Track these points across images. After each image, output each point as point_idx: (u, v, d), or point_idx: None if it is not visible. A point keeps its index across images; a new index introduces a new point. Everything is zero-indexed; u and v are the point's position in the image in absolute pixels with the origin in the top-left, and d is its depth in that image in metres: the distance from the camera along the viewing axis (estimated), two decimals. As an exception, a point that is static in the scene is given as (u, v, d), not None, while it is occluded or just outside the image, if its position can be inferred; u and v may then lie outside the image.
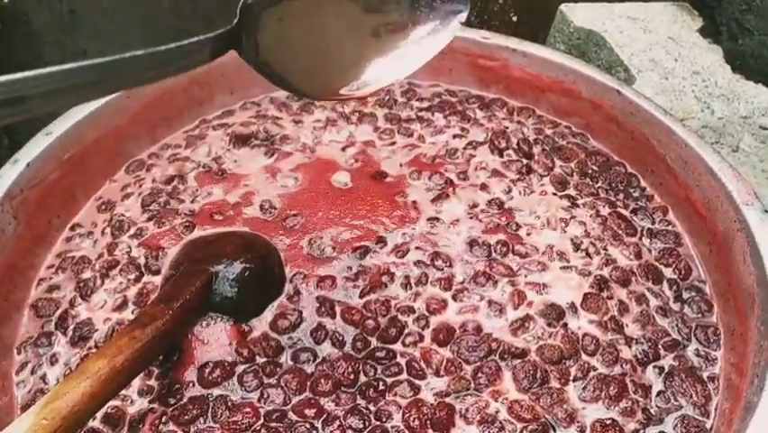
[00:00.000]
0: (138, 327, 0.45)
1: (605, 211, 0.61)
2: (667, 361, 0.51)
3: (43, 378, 0.50)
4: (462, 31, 0.73)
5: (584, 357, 0.51)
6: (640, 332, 0.52)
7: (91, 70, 0.32)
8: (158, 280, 0.56)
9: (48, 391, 0.49)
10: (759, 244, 0.51)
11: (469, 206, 0.61)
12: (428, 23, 0.46)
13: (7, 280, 0.54)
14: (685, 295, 0.55)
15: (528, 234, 0.59)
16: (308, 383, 0.49)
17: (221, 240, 0.56)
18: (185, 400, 0.48)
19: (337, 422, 0.47)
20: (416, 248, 0.58)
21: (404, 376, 0.49)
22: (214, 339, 0.51)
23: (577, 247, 0.58)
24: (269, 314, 0.53)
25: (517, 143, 0.67)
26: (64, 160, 0.59)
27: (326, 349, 0.51)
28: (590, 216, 0.61)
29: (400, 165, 0.65)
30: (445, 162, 0.66)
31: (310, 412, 0.47)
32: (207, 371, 0.49)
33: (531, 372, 0.49)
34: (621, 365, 0.50)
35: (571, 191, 0.63)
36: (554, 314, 0.53)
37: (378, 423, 0.47)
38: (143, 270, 0.56)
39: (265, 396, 0.48)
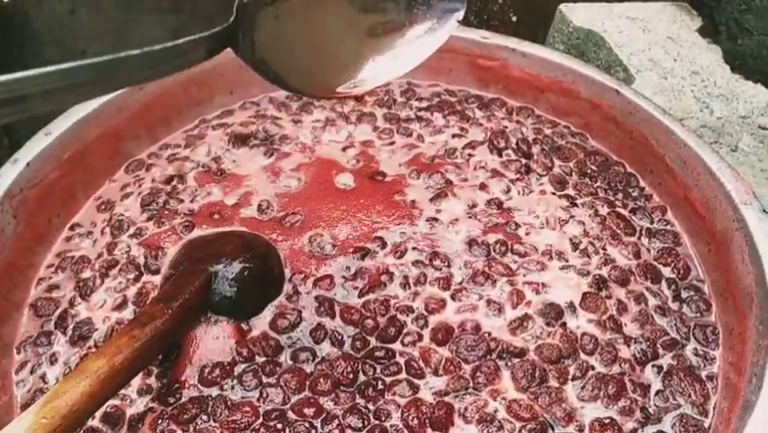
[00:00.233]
0: (137, 326, 0.45)
1: (604, 211, 0.62)
2: (666, 360, 0.51)
3: (43, 377, 0.50)
4: (462, 31, 0.73)
5: (583, 356, 0.51)
6: (639, 331, 0.52)
7: (89, 70, 0.33)
8: (157, 279, 0.56)
9: (47, 390, 0.49)
10: (757, 243, 0.51)
11: (468, 205, 0.62)
12: (425, 22, 0.46)
13: (7, 280, 0.54)
14: (684, 294, 0.55)
15: (527, 234, 0.59)
16: (307, 383, 0.49)
17: (220, 239, 0.56)
18: (184, 399, 0.48)
19: (336, 421, 0.47)
20: (415, 248, 0.58)
21: (403, 375, 0.50)
22: (213, 338, 0.51)
23: (576, 247, 0.58)
24: (268, 313, 0.53)
25: (516, 143, 0.68)
26: (64, 159, 0.60)
27: (326, 348, 0.51)
28: (589, 215, 0.61)
29: (399, 165, 0.65)
30: (444, 162, 0.66)
31: (309, 411, 0.47)
32: (207, 370, 0.49)
33: (530, 371, 0.49)
34: (620, 364, 0.50)
35: (570, 191, 0.64)
36: (553, 313, 0.53)
37: (377, 422, 0.47)
38: (143, 269, 0.57)
39: (264, 395, 0.48)
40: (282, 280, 0.55)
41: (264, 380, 0.49)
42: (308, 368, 0.50)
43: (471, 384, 0.49)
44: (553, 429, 0.47)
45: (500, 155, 0.67)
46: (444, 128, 0.70)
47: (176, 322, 0.47)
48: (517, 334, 0.52)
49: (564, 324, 0.52)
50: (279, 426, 0.46)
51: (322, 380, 0.49)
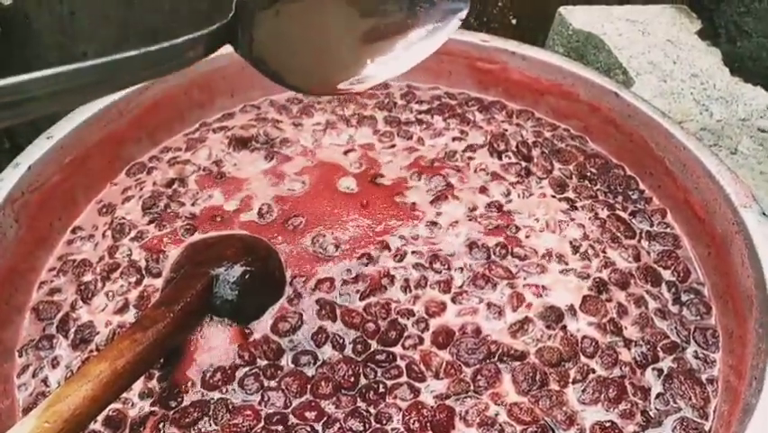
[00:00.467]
0: (139, 329, 0.45)
1: (603, 214, 0.62)
2: (666, 363, 0.51)
3: (45, 381, 0.50)
4: (461, 34, 0.73)
5: (583, 359, 0.51)
6: (639, 334, 0.53)
7: (87, 72, 0.33)
8: (159, 282, 0.56)
9: (49, 393, 0.49)
10: (757, 246, 0.51)
11: (468, 208, 0.62)
12: (428, 20, 0.46)
13: (8, 284, 0.54)
14: (684, 297, 0.56)
15: (527, 237, 0.60)
16: (309, 386, 0.49)
17: (221, 243, 0.56)
18: (186, 402, 0.48)
19: (337, 425, 0.47)
20: (416, 251, 0.58)
21: (404, 379, 0.50)
22: (214, 342, 0.51)
23: (576, 250, 0.58)
24: (269, 317, 0.53)
25: (516, 146, 0.68)
26: (65, 163, 0.60)
27: (327, 352, 0.51)
28: (589, 218, 0.61)
29: (401, 168, 0.65)
30: (445, 165, 0.66)
31: (311, 415, 0.47)
32: (208, 374, 0.49)
33: (530, 374, 0.49)
34: (620, 368, 0.50)
35: (570, 194, 0.64)
36: (553, 316, 0.53)
37: (378, 426, 0.47)
38: (144, 273, 0.57)
39: (266, 399, 0.48)
40: (283, 283, 0.55)
41: (265, 383, 0.49)
42: (309, 371, 0.50)
43: (472, 388, 0.49)
44: (553, 433, 0.47)
45: (500, 158, 0.67)
46: (445, 131, 0.70)
47: (177, 326, 0.47)
48: (518, 337, 0.52)
49: (565, 327, 0.52)
50: (281, 429, 0.46)
51: (323, 383, 0.49)
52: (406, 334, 0.52)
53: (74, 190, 0.61)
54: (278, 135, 0.69)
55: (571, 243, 0.59)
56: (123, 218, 0.61)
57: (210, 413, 0.47)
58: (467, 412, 0.48)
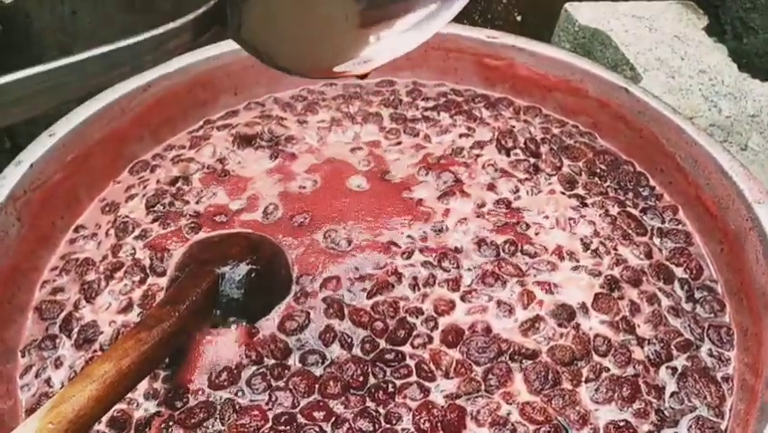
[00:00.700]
0: (144, 329, 0.44)
1: (614, 210, 0.61)
2: (680, 361, 0.50)
3: (48, 381, 0.50)
4: (468, 30, 0.73)
5: (596, 358, 0.50)
6: (652, 332, 0.52)
7: (72, 68, 0.32)
8: (163, 281, 0.55)
9: (52, 394, 0.48)
10: (772, 242, 0.50)
11: (477, 205, 0.61)
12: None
13: (11, 283, 0.53)
14: (697, 295, 0.55)
15: (537, 234, 0.59)
16: (317, 386, 0.48)
17: (227, 241, 0.55)
18: (192, 403, 0.47)
19: (347, 425, 0.46)
20: (424, 249, 0.57)
21: (413, 378, 0.49)
22: (220, 341, 0.50)
23: (587, 247, 0.57)
24: (276, 315, 0.52)
25: (524, 143, 0.67)
26: (67, 161, 0.59)
27: (335, 351, 0.50)
28: (600, 215, 0.60)
29: (408, 166, 0.64)
30: (452, 162, 0.65)
31: (319, 415, 0.46)
32: (214, 373, 0.48)
33: (542, 373, 0.48)
34: (634, 366, 0.49)
35: (580, 190, 0.63)
36: (565, 314, 0.52)
37: (388, 426, 0.46)
38: (148, 271, 0.56)
39: (273, 399, 0.47)
40: (289, 281, 0.55)
41: (273, 383, 0.48)
42: (317, 371, 0.49)
43: (483, 387, 0.48)
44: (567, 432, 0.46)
45: (508, 155, 0.66)
46: (451, 128, 0.70)
47: (183, 325, 0.47)
48: (529, 335, 0.51)
49: (577, 325, 0.52)
50: (289, 430, 0.45)
51: (331, 383, 0.48)
52: (414, 333, 0.51)
53: (76, 189, 0.61)
54: (282, 133, 0.68)
55: (581, 240, 0.58)
56: (127, 217, 0.60)
57: (217, 414, 0.46)
58: (478, 412, 0.47)
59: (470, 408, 0.47)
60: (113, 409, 0.43)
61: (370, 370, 0.49)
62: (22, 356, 0.51)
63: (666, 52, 0.87)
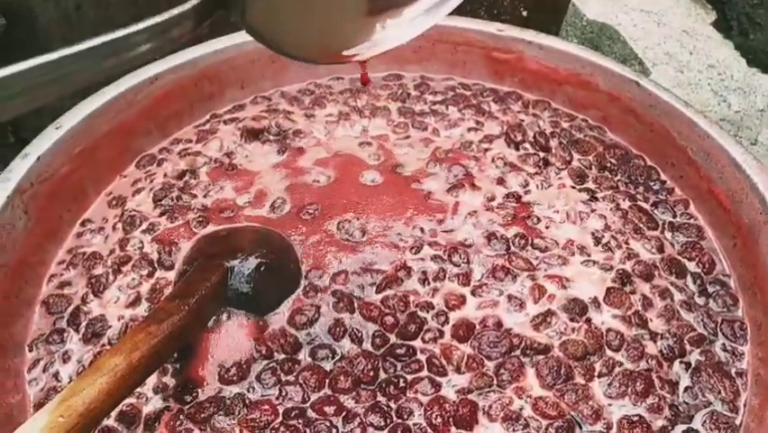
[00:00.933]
0: (154, 322, 0.44)
1: (625, 204, 0.60)
2: (693, 356, 0.50)
3: (56, 376, 0.49)
4: (476, 23, 0.72)
5: (609, 353, 0.49)
6: (665, 327, 0.51)
7: (74, 58, 0.31)
8: (171, 275, 0.55)
9: (60, 388, 0.48)
10: (787, 236, 0.50)
11: (486, 199, 0.60)
12: None
13: (18, 277, 0.53)
14: (710, 289, 0.54)
15: (547, 228, 0.58)
16: (327, 381, 0.48)
17: (235, 235, 0.55)
18: (201, 397, 0.47)
19: (357, 420, 0.45)
20: (433, 243, 0.57)
21: (424, 373, 0.48)
22: (230, 335, 0.49)
23: (598, 241, 0.57)
24: (286, 309, 0.51)
25: (534, 137, 0.66)
26: (74, 154, 0.58)
27: (345, 346, 0.50)
28: (610, 209, 0.60)
29: (418, 159, 0.64)
30: (461, 156, 0.65)
31: (330, 410, 0.46)
32: (224, 367, 0.48)
33: (555, 368, 0.48)
34: (647, 361, 0.49)
35: (590, 185, 0.62)
36: (577, 309, 0.51)
37: (399, 421, 0.46)
38: (156, 265, 0.55)
39: (283, 393, 0.47)
40: (298, 275, 0.54)
41: (283, 378, 0.48)
42: (328, 366, 0.48)
43: (495, 382, 0.48)
44: (580, 428, 0.45)
45: (517, 149, 0.66)
46: (460, 122, 0.69)
47: (193, 318, 0.46)
48: (541, 330, 0.51)
49: (589, 320, 0.51)
50: (299, 424, 0.45)
51: (342, 378, 0.47)
52: (425, 327, 0.51)
53: (83, 182, 0.60)
54: (290, 127, 0.68)
55: (592, 234, 0.57)
56: (134, 210, 0.60)
57: (226, 408, 0.46)
58: (490, 407, 0.46)
59: (482, 403, 0.47)
60: (122, 403, 0.43)
61: (380, 364, 0.49)
62: (30, 351, 0.51)
63: (675, 47, 0.87)
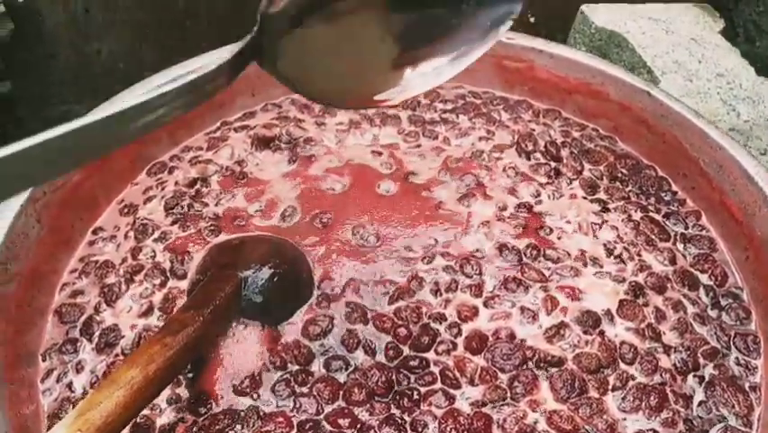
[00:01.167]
0: (169, 334, 0.44)
1: (637, 216, 0.60)
2: (707, 370, 0.50)
3: (69, 386, 0.49)
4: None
5: (622, 366, 0.49)
6: (678, 340, 0.51)
7: (111, 121, 0.31)
8: (183, 284, 0.55)
9: (74, 399, 0.48)
10: (801, 250, 0.50)
11: (498, 208, 0.60)
12: (475, 21, 0.43)
13: (31, 286, 0.53)
14: (722, 302, 0.54)
15: (559, 239, 0.58)
16: (341, 392, 0.48)
17: (248, 244, 0.55)
18: (215, 409, 0.47)
19: (372, 432, 0.45)
20: (445, 253, 0.57)
21: (438, 385, 0.48)
22: (243, 346, 0.49)
23: (610, 252, 0.57)
24: (299, 320, 0.51)
25: (545, 146, 0.66)
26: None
27: (359, 357, 0.50)
28: (622, 220, 0.60)
29: (429, 168, 0.64)
30: (472, 165, 0.65)
31: (344, 422, 0.46)
32: (238, 379, 0.48)
33: (569, 381, 0.48)
34: (660, 374, 0.49)
35: (602, 195, 0.62)
36: (590, 321, 0.51)
37: (414, 433, 0.46)
38: (168, 274, 0.55)
39: (298, 405, 0.47)
40: (311, 284, 0.54)
41: (297, 389, 0.48)
42: (341, 377, 0.48)
43: (509, 394, 0.48)
44: (595, 441, 0.45)
45: (529, 158, 0.66)
46: (470, 131, 0.69)
47: (207, 329, 0.46)
48: (554, 342, 0.51)
49: (602, 332, 0.51)
50: (314, 437, 0.45)
51: (356, 390, 0.47)
52: (438, 339, 0.51)
53: (95, 190, 0.60)
54: (301, 135, 0.68)
55: (604, 245, 0.57)
56: (146, 219, 0.60)
57: (241, 420, 0.46)
58: (504, 420, 0.46)
59: (496, 416, 0.47)
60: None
61: (394, 377, 0.48)
62: (43, 360, 0.51)
63: (683, 55, 0.87)
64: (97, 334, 0.52)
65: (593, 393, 0.48)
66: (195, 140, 0.68)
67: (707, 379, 0.49)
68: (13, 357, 0.48)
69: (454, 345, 0.51)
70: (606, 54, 0.92)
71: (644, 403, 0.47)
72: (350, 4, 0.40)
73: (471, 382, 0.49)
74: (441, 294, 0.54)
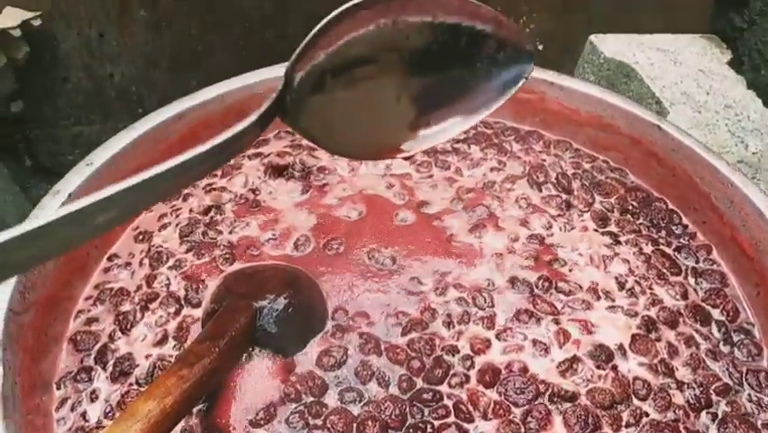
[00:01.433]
0: (186, 366, 0.44)
1: (648, 249, 0.61)
2: (720, 407, 0.50)
3: (84, 415, 0.49)
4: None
5: (636, 402, 0.49)
6: (691, 376, 0.51)
7: (148, 185, 0.32)
8: (198, 313, 0.55)
9: (88, 428, 0.48)
10: (813, 288, 0.50)
11: (510, 240, 0.61)
12: (488, 81, 0.45)
13: (47, 313, 0.53)
14: (735, 338, 0.54)
15: (571, 271, 0.59)
16: (355, 425, 0.48)
17: (262, 274, 0.55)
18: (230, 441, 0.47)
19: (386, 466, 0.46)
20: (457, 284, 0.57)
21: (452, 419, 0.49)
22: (257, 377, 0.50)
23: (622, 286, 0.57)
24: (313, 350, 0.52)
25: (556, 178, 0.67)
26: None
27: (372, 389, 0.50)
28: (633, 253, 0.60)
29: (441, 199, 0.64)
30: (484, 196, 0.65)
31: (358, 456, 0.46)
32: (252, 411, 0.48)
33: (582, 417, 0.48)
34: (674, 411, 0.49)
35: (613, 228, 0.63)
36: (603, 356, 0.52)
37: (428, 468, 0.46)
38: (183, 303, 0.56)
39: (312, 438, 0.47)
40: (325, 315, 0.54)
41: (311, 421, 0.48)
42: (355, 410, 0.49)
43: (523, 429, 0.48)
44: (609, 479, 0.45)
45: (540, 190, 0.66)
46: (482, 161, 0.70)
47: (223, 361, 0.47)
48: (567, 376, 0.51)
49: (615, 367, 0.51)
50: (328, 471, 0.45)
51: (369, 422, 0.48)
52: (451, 372, 0.51)
53: (110, 217, 0.60)
54: (314, 164, 0.68)
55: (616, 278, 0.58)
56: (161, 246, 0.60)
57: (255, 453, 0.46)
58: (519, 455, 0.46)
59: (510, 451, 0.47)
60: (153, 447, 0.43)
61: (408, 409, 0.49)
62: (58, 388, 0.51)
63: (692, 86, 0.88)
64: (112, 362, 0.52)
65: (607, 430, 0.48)
66: (209, 167, 0.69)
67: (720, 416, 0.49)
68: (29, 386, 0.49)
69: (467, 378, 0.51)
70: (614, 84, 0.93)
71: (657, 440, 0.47)
72: (370, 69, 0.42)
73: (485, 417, 0.49)
74: (453, 326, 0.54)
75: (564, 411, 0.49)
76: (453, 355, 0.52)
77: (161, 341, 0.53)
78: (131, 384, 0.51)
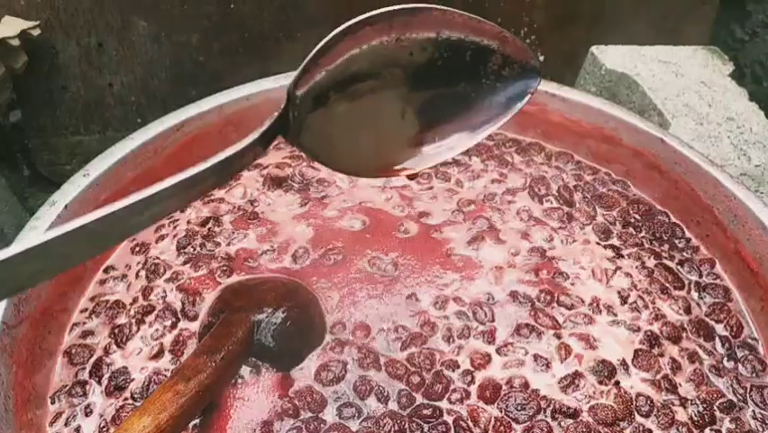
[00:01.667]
0: (182, 380, 0.43)
1: (650, 263, 0.60)
2: (724, 424, 0.49)
3: (78, 430, 0.48)
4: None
5: (639, 419, 0.49)
6: (694, 392, 0.51)
7: (154, 200, 0.31)
8: (194, 326, 0.54)
9: (82, 444, 0.47)
10: (818, 303, 0.50)
11: (511, 253, 0.60)
12: (493, 98, 0.44)
13: (42, 326, 0.52)
14: (738, 353, 0.54)
15: (572, 285, 0.58)
16: (353, 441, 0.47)
17: (260, 287, 0.55)
18: (226, 457, 0.46)
19: (385, 484, 0.45)
20: (457, 298, 0.56)
21: (452, 435, 0.48)
22: (255, 391, 0.49)
23: (624, 300, 0.57)
24: (311, 364, 0.51)
25: (558, 190, 0.66)
26: (100, 201, 0.58)
27: (371, 405, 0.49)
28: (636, 267, 0.59)
29: (440, 211, 0.64)
30: (485, 208, 0.65)
31: (356, 473, 0.45)
32: (250, 427, 0.47)
33: (585, 434, 0.47)
34: (677, 428, 0.48)
35: (615, 241, 0.62)
36: (606, 371, 0.51)
37: (427, 486, 0.45)
38: (180, 315, 0.55)
39: (309, 455, 0.46)
40: (323, 329, 0.54)
41: (309, 438, 0.47)
42: (354, 426, 0.48)
43: (524, 447, 0.47)
44: (612, 498, 0.45)
45: (541, 202, 0.66)
46: (483, 173, 0.69)
47: (220, 375, 0.46)
48: (569, 392, 0.50)
49: (617, 383, 0.51)
50: (326, 488, 0.44)
51: (368, 439, 0.47)
52: (451, 387, 0.50)
53: (107, 228, 0.60)
54: (313, 176, 0.68)
55: (618, 292, 0.57)
56: (158, 258, 0.60)
57: (252, 470, 0.45)
58: (520, 473, 0.46)
59: (511, 469, 0.46)
60: (147, 464, 0.42)
61: (407, 425, 0.48)
62: (52, 403, 0.50)
63: (693, 98, 0.87)
64: (107, 376, 0.51)
65: (609, 447, 0.47)
66: (207, 178, 0.68)
67: (724, 434, 0.48)
68: (22, 400, 0.48)
69: (467, 394, 0.50)
70: (615, 95, 0.92)
71: (661, 458, 0.47)
72: (373, 86, 0.41)
73: (485, 433, 0.48)
74: (453, 340, 0.53)
75: (566, 428, 0.48)
76: (453, 370, 0.51)
77: (157, 355, 0.52)
78: (126, 399, 0.50)
